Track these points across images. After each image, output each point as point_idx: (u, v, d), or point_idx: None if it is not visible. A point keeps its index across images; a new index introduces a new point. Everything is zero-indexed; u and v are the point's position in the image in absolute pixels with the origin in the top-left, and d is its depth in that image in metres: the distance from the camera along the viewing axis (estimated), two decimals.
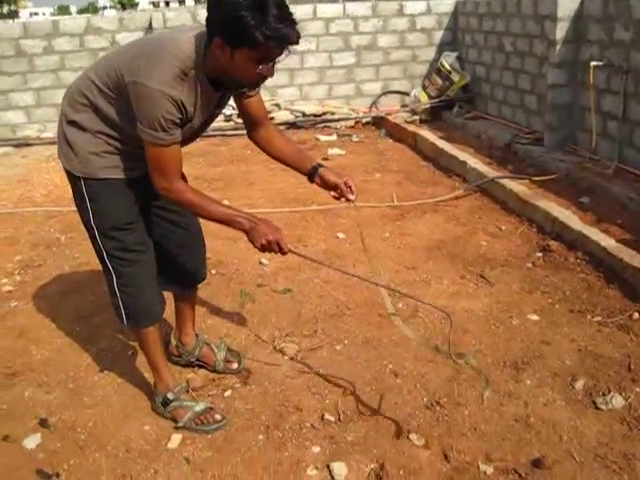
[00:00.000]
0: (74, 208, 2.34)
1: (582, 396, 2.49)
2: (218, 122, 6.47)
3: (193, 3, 70.20)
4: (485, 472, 2.12)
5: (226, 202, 3.80)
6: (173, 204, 2.24)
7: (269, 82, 2.28)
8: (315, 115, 7.41)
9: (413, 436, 2.30)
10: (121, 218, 2.26)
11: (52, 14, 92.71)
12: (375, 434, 2.33)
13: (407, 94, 7.80)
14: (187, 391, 2.54)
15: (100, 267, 2.37)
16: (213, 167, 5.87)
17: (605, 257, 3.44)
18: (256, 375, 2.71)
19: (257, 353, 2.88)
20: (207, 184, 5.32)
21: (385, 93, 7.87)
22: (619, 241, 3.54)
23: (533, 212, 4.18)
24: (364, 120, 7.49)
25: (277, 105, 7.50)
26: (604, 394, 2.48)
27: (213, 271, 3.62)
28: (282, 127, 7.00)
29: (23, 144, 7.04)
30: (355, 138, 6.88)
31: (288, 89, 7.71)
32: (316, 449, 2.27)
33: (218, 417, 2.41)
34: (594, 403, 2.44)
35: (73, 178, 2.25)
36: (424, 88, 7.58)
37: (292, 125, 7.36)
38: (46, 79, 7.24)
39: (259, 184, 5.30)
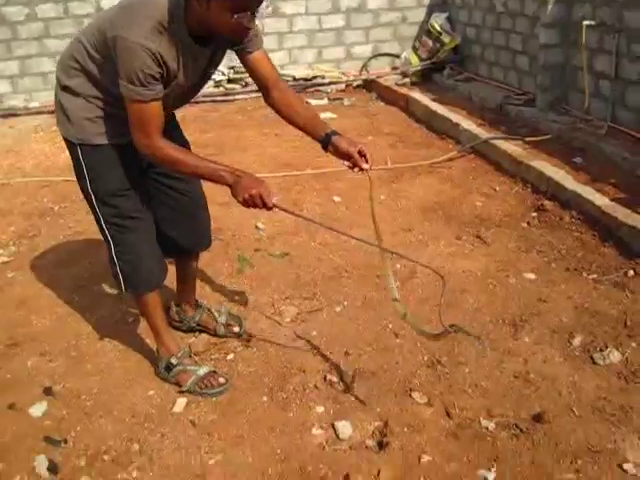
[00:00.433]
0: (66, 177, 2.33)
1: (580, 352, 2.53)
2: (208, 88, 6.38)
3: None
4: (487, 427, 2.17)
5: None
6: (155, 162, 2.19)
7: None
8: (305, 79, 7.31)
9: (415, 394, 2.34)
10: (117, 184, 2.25)
11: None
12: (378, 393, 2.37)
13: (397, 56, 7.70)
14: (190, 355, 2.56)
15: (95, 236, 2.37)
16: (205, 133, 5.80)
17: (600, 216, 3.46)
18: (257, 338, 2.74)
19: (258, 317, 2.90)
20: (200, 149, 5.24)
21: (375, 56, 7.77)
22: (613, 200, 3.56)
23: (527, 172, 4.19)
24: (355, 83, 7.41)
25: None
26: (601, 350, 2.52)
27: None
28: None
29: (10, 114, 6.92)
30: (346, 102, 6.82)
31: (277, 53, 7.57)
32: (320, 409, 2.30)
33: (222, 380, 2.43)
34: (592, 358, 2.49)
35: (70, 145, 2.24)
36: (415, 50, 7.50)
37: None
38: (30, 47, 7.06)
39: (252, 149, 5.25)
